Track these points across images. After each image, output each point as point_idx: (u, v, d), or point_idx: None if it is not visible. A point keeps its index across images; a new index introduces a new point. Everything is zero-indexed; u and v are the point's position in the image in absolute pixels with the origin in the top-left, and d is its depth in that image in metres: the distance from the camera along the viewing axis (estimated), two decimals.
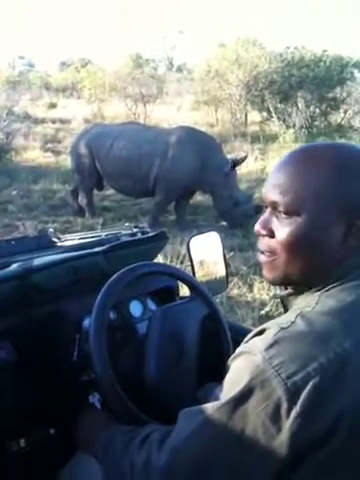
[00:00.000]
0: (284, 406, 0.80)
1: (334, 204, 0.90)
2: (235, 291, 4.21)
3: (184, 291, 1.75)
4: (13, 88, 20.10)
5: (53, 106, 19.54)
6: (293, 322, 0.87)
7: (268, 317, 3.81)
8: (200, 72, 15.46)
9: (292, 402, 0.80)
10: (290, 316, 0.89)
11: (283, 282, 1.00)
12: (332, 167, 0.91)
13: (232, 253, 4.79)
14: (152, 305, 1.62)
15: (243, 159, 6.32)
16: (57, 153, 11.19)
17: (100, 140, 6.61)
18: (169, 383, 1.31)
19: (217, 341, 1.48)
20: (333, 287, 0.92)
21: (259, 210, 5.82)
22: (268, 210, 0.98)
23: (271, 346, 0.84)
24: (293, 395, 0.80)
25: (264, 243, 0.98)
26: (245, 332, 1.73)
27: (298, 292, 0.98)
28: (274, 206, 0.96)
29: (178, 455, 0.91)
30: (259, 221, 0.99)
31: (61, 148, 11.68)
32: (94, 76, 16.32)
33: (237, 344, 1.46)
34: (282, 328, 0.86)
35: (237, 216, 6.09)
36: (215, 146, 6.41)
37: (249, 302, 4.05)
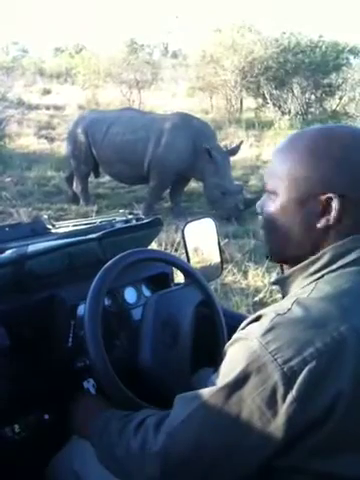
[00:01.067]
0: (280, 391, 0.81)
1: (305, 184, 0.94)
2: (229, 278, 4.22)
3: (179, 278, 1.75)
4: (7, 74, 19.88)
5: (47, 92, 19.36)
6: (289, 309, 0.87)
7: (262, 304, 3.83)
8: (195, 58, 15.34)
9: (288, 387, 0.81)
10: (286, 303, 0.90)
11: (272, 257, 1.08)
12: (303, 151, 0.96)
13: (227, 240, 4.79)
14: (147, 291, 1.63)
15: (236, 149, 6.32)
16: (51, 140, 11.11)
17: (96, 126, 6.58)
18: (163, 369, 1.32)
19: (211, 327, 1.49)
20: (328, 273, 0.92)
21: (249, 204, 5.81)
22: (266, 193, 1.04)
23: (267, 332, 0.85)
24: (289, 380, 0.81)
25: (261, 221, 1.06)
26: (239, 318, 1.74)
27: (292, 276, 0.99)
28: (266, 188, 1.03)
29: (174, 439, 0.93)
30: (258, 202, 1.07)
31: (55, 135, 11.59)
32: (88, 62, 16.15)
33: (231, 330, 1.47)
34: (278, 314, 0.87)
35: (225, 206, 6.03)
36: (209, 133, 6.37)
37: (243, 289, 4.06)
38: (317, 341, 0.82)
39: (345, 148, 0.93)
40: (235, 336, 0.93)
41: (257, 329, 0.87)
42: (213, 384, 0.90)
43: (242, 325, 0.97)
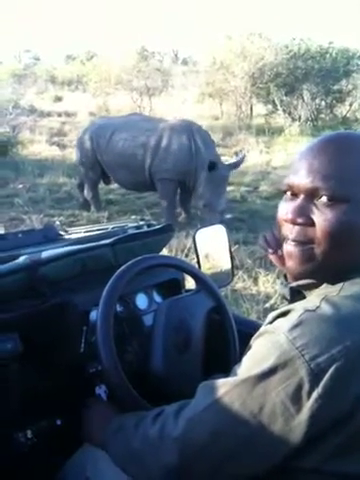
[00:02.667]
0: (306, 387, 0.81)
1: None
2: (240, 284, 4.21)
3: (190, 284, 1.76)
4: (19, 81, 20.07)
5: (59, 99, 19.53)
6: (318, 306, 0.86)
7: (273, 310, 3.78)
8: (205, 64, 15.39)
9: (314, 383, 0.80)
10: (314, 300, 0.89)
11: (312, 275, 0.96)
12: None
13: (237, 246, 4.78)
14: (158, 297, 1.63)
15: (237, 163, 6.16)
16: (63, 146, 11.19)
17: (101, 132, 6.60)
18: (175, 375, 1.32)
19: (223, 333, 1.48)
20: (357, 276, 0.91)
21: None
22: (302, 197, 0.94)
23: (295, 327, 0.84)
24: (316, 376, 0.80)
25: (299, 232, 0.94)
26: (250, 324, 1.74)
27: (318, 284, 0.97)
28: (312, 193, 0.92)
29: (194, 425, 0.93)
30: (292, 209, 0.94)
31: (67, 141, 11.67)
32: (99, 69, 16.26)
33: (243, 336, 1.48)
34: (307, 310, 0.86)
35: (206, 220, 5.71)
36: (208, 142, 6.26)
37: (254, 295, 4.05)
38: (346, 339, 0.82)
39: None
40: (262, 329, 0.92)
41: (285, 324, 0.86)
42: (236, 375, 0.90)
43: (269, 319, 0.96)
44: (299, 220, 0.93)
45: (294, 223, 0.94)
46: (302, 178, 0.93)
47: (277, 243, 1.18)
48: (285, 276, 1.21)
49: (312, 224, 0.92)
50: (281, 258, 1.12)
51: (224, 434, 0.89)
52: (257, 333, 0.93)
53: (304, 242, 0.93)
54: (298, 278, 0.99)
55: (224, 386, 0.90)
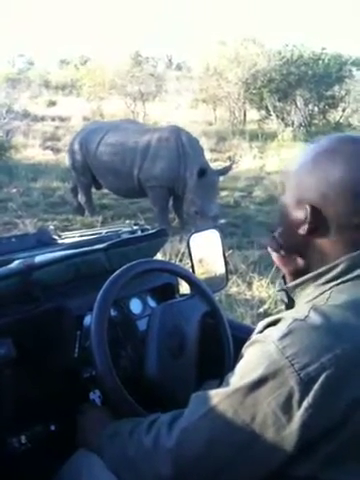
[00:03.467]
0: (296, 396, 0.81)
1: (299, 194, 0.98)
2: (234, 289, 4.21)
3: (184, 288, 1.76)
4: (13, 86, 20.02)
5: (53, 104, 19.51)
6: (307, 315, 0.87)
7: (267, 315, 3.82)
8: (199, 70, 15.45)
9: (304, 393, 0.81)
10: (303, 309, 0.90)
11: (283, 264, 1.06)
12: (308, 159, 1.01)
13: (231, 251, 4.79)
14: (152, 302, 1.63)
15: (225, 170, 6.15)
16: (56, 151, 11.19)
17: (91, 137, 6.60)
18: (169, 380, 1.32)
19: (217, 338, 1.48)
20: (344, 282, 0.92)
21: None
22: None
23: (285, 336, 0.85)
24: (306, 385, 0.81)
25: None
26: (245, 329, 1.74)
27: (304, 284, 0.99)
28: None
29: (188, 436, 0.93)
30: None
31: (60, 146, 11.65)
32: (93, 74, 16.27)
33: (237, 341, 1.48)
34: (296, 319, 0.87)
35: (198, 226, 5.56)
36: (196, 148, 6.24)
37: (248, 300, 4.05)
38: (336, 348, 0.82)
39: None
40: (253, 338, 0.93)
41: (274, 333, 0.87)
42: (228, 384, 0.91)
43: (259, 327, 0.97)
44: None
45: None
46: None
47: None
48: (284, 278, 1.23)
49: None
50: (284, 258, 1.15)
51: (218, 444, 0.89)
52: (248, 342, 0.94)
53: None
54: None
55: (217, 396, 0.91)
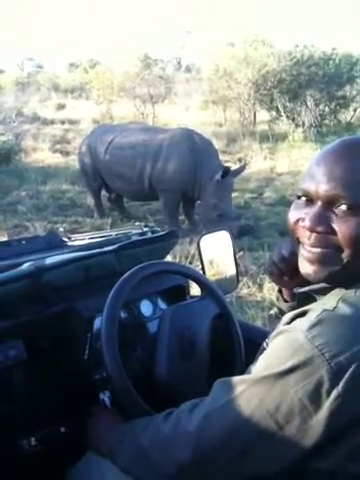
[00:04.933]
0: (325, 385, 0.80)
1: None
2: (245, 291, 4.20)
3: (194, 290, 1.75)
4: (22, 89, 20.23)
5: (62, 107, 19.59)
6: (336, 306, 0.87)
7: (278, 317, 3.78)
8: (208, 72, 15.42)
9: (334, 382, 0.80)
10: (331, 301, 0.90)
11: (330, 279, 0.94)
12: None
13: (242, 253, 4.77)
14: (162, 304, 1.63)
15: (239, 170, 6.05)
16: (66, 154, 11.23)
17: (100, 140, 6.56)
18: (180, 381, 1.31)
19: (228, 340, 1.48)
20: None
21: (243, 232, 5.61)
22: (320, 205, 0.92)
23: (314, 326, 0.84)
24: (336, 375, 0.80)
25: (319, 239, 0.92)
26: (256, 331, 1.73)
27: (330, 288, 0.96)
28: (332, 200, 0.90)
29: (210, 421, 0.92)
30: (311, 217, 0.92)
31: (70, 149, 11.70)
32: (102, 77, 16.31)
33: (248, 342, 1.47)
34: (325, 310, 0.87)
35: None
36: (210, 150, 6.14)
37: (259, 302, 4.04)
38: None
39: None
40: (279, 329, 0.92)
41: (303, 323, 0.86)
42: (253, 373, 0.90)
43: (285, 320, 0.96)
44: (319, 229, 0.91)
45: (313, 231, 0.92)
46: (321, 184, 0.91)
47: (287, 263, 1.19)
48: (280, 291, 1.29)
49: (332, 232, 0.90)
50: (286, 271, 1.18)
51: (240, 431, 0.88)
52: (274, 333, 0.93)
53: (325, 247, 0.92)
54: (317, 282, 0.97)
55: (242, 384, 0.90)
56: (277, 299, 1.34)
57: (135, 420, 1.16)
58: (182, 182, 6.00)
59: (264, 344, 0.99)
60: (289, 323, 0.93)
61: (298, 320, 0.90)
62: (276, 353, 0.88)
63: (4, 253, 1.61)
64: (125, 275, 1.30)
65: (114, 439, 1.14)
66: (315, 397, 0.81)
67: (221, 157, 6.49)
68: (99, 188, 6.83)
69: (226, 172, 5.70)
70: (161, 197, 6.24)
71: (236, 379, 0.92)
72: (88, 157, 6.66)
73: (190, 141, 6.10)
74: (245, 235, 5.61)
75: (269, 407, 0.85)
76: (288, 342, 0.86)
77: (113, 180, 6.49)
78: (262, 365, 0.90)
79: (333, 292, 0.95)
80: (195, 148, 6.02)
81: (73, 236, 1.88)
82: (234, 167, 6.36)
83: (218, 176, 5.71)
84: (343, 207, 0.89)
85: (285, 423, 0.84)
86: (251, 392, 0.88)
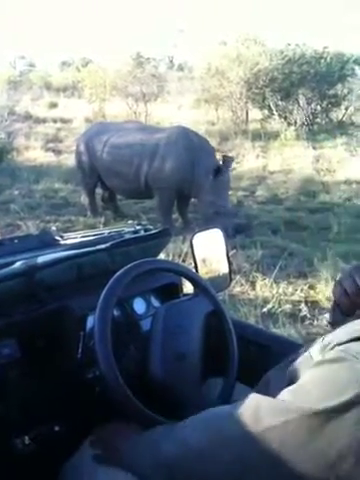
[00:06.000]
0: None
1: None
2: (237, 289, 4.21)
3: (187, 288, 1.75)
4: (14, 88, 20.12)
5: (54, 106, 19.50)
6: None
7: (270, 314, 3.82)
8: (201, 70, 15.42)
9: None
10: None
11: None
12: None
13: (234, 250, 4.79)
14: (156, 302, 1.63)
15: (227, 164, 5.98)
16: (58, 152, 11.18)
17: (97, 138, 6.56)
18: (173, 379, 1.31)
19: (221, 337, 1.48)
20: None
21: (240, 230, 5.63)
22: None
23: None
24: None
25: None
26: (249, 329, 1.74)
27: None
28: None
29: (249, 444, 0.85)
30: None
31: (62, 147, 11.67)
32: (95, 75, 16.25)
33: (241, 340, 1.47)
34: None
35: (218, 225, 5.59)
36: (207, 149, 6.15)
37: (252, 300, 4.05)
38: None
39: None
40: (337, 354, 0.84)
41: None
42: (302, 401, 0.82)
43: (336, 340, 0.87)
44: None
45: None
46: None
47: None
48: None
49: None
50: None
51: (282, 467, 0.81)
52: (331, 357, 0.85)
53: None
54: None
55: (291, 412, 0.82)
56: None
57: (152, 429, 1.12)
58: (178, 180, 6.01)
59: (303, 357, 0.91)
60: (341, 344, 0.86)
61: (354, 345, 0.83)
62: (334, 384, 0.80)
63: None
64: (118, 273, 1.30)
65: (129, 447, 1.11)
66: None
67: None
68: (94, 186, 6.83)
69: (218, 170, 5.72)
70: (156, 195, 6.25)
71: (282, 405, 0.84)
72: (85, 154, 6.65)
73: (187, 139, 6.11)
74: (242, 233, 5.62)
75: (319, 444, 0.78)
76: (349, 372, 0.79)
77: (110, 178, 6.50)
78: (316, 395, 0.81)
79: None
80: (192, 146, 6.03)
81: (66, 235, 1.87)
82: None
83: (209, 176, 5.72)
84: None
85: (335, 463, 0.77)
86: (301, 423, 0.80)
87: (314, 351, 0.94)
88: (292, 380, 0.94)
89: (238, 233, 5.61)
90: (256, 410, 0.88)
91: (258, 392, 0.96)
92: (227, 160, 6.08)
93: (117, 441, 1.18)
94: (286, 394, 0.88)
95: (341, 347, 0.84)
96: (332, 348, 0.87)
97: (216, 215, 5.72)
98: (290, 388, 0.89)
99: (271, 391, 0.96)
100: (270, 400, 0.87)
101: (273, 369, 1.18)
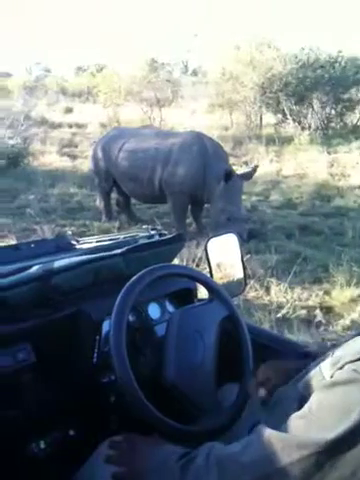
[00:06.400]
0: None
1: None
2: (252, 294, 4.19)
3: (202, 293, 1.75)
4: (30, 93, 20.31)
5: (69, 111, 19.67)
6: None
7: (285, 320, 3.80)
8: (215, 75, 15.44)
9: None
10: None
11: None
12: None
13: (249, 256, 4.77)
14: (170, 307, 1.63)
15: (250, 173, 5.99)
16: (73, 157, 11.26)
17: (113, 143, 6.61)
18: (188, 384, 1.31)
19: (235, 343, 1.47)
20: None
21: (252, 235, 5.60)
22: None
23: None
24: None
25: None
26: (263, 334, 1.73)
27: None
28: None
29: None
30: None
31: (77, 152, 11.75)
32: (110, 80, 16.36)
33: (256, 345, 1.47)
34: None
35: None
36: (220, 154, 6.15)
37: (266, 305, 4.03)
38: None
39: None
40: (347, 375, 0.83)
41: None
42: (316, 433, 0.80)
43: (347, 358, 0.86)
44: None
45: None
46: None
47: None
48: None
49: None
50: None
51: None
52: (340, 379, 0.83)
53: None
54: None
55: (309, 447, 0.80)
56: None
57: (172, 449, 1.07)
58: (191, 185, 6.02)
59: (314, 372, 0.90)
60: (350, 363, 0.84)
61: None
62: (345, 405, 0.79)
63: (13, 256, 1.61)
64: (133, 278, 1.31)
65: (152, 465, 1.06)
66: None
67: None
68: (110, 190, 6.87)
69: (229, 175, 5.69)
70: (170, 200, 6.27)
71: (294, 440, 0.82)
72: (102, 159, 6.70)
73: (200, 144, 6.11)
74: (255, 238, 5.59)
75: (342, 473, 0.78)
76: None
77: (125, 182, 6.54)
78: (329, 422, 0.80)
79: None
80: (205, 152, 6.03)
81: (81, 239, 1.88)
82: (244, 170, 6.34)
83: (221, 181, 5.71)
84: None
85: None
86: (322, 457, 0.78)
87: (325, 367, 0.93)
88: (303, 397, 0.93)
89: (252, 238, 5.58)
90: (269, 448, 0.86)
91: (271, 411, 0.95)
92: (252, 169, 6.06)
93: (136, 460, 1.11)
94: (298, 423, 0.86)
95: (353, 366, 0.83)
96: (342, 366, 0.86)
97: (228, 221, 5.68)
98: (302, 414, 0.87)
99: (284, 409, 0.95)
100: (282, 437, 0.85)
101: (285, 386, 1.16)
